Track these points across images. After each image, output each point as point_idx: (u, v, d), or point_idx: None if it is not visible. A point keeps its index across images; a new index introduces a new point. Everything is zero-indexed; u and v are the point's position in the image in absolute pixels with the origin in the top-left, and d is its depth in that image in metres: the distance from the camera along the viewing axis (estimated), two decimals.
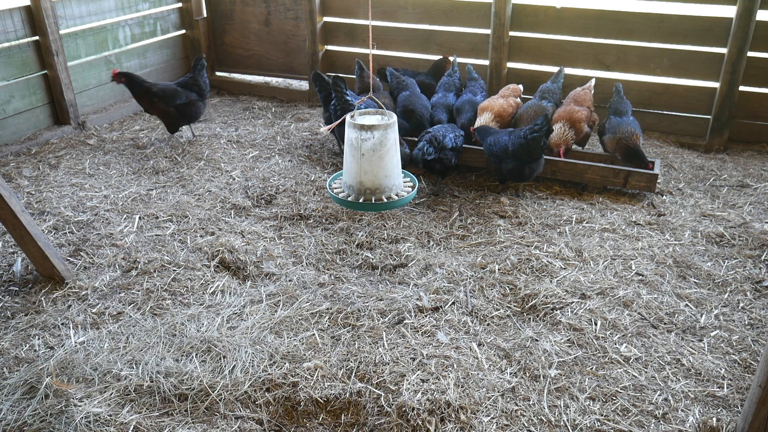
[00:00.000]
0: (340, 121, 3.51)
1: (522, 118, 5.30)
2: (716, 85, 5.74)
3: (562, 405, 2.94)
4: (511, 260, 4.05)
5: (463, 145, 5.08)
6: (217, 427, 2.81)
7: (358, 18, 6.88)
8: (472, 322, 3.50)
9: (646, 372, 3.15)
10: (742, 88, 5.67)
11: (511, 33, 6.23)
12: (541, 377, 3.10)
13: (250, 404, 2.94)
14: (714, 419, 2.84)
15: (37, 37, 5.81)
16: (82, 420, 2.79)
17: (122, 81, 5.63)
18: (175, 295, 3.75)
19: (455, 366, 3.13)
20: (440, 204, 4.85)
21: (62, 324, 3.49)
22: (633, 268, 3.98)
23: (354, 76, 6.35)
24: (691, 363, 3.21)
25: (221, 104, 7.17)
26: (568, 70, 6.08)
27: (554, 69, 5.94)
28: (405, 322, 3.48)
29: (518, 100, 5.63)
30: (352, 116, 3.06)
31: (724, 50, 5.59)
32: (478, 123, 5.25)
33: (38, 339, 3.37)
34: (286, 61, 7.45)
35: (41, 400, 2.91)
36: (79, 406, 2.86)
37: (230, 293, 3.76)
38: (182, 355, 3.20)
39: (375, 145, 2.97)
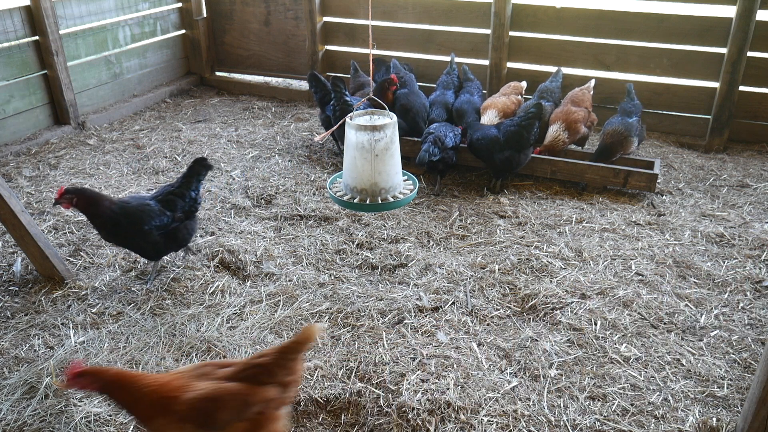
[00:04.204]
0: (336, 126, 3.50)
1: None
2: (716, 85, 5.74)
3: (562, 405, 2.94)
4: (511, 260, 4.05)
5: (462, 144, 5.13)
6: None
7: (358, 18, 6.88)
8: (472, 322, 3.50)
9: (645, 372, 3.15)
10: (742, 88, 5.67)
11: (511, 33, 6.23)
12: (541, 377, 3.10)
13: None
14: (714, 419, 2.84)
15: (37, 37, 5.81)
16: (82, 420, 2.79)
17: None
18: (175, 295, 3.75)
19: (455, 366, 3.13)
20: (440, 204, 4.85)
21: (62, 324, 3.49)
22: (633, 268, 3.98)
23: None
24: (691, 363, 3.21)
25: (221, 104, 7.17)
26: (568, 70, 6.08)
27: (554, 69, 5.94)
28: (405, 322, 3.48)
29: (520, 97, 5.63)
30: (350, 118, 3.05)
31: (724, 50, 5.59)
32: (483, 122, 5.27)
33: (38, 339, 3.37)
34: (286, 61, 7.45)
35: (41, 400, 2.91)
36: (79, 406, 2.86)
37: (230, 293, 3.76)
38: (182, 355, 3.20)
39: (387, 143, 2.96)
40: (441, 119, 5.34)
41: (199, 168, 3.84)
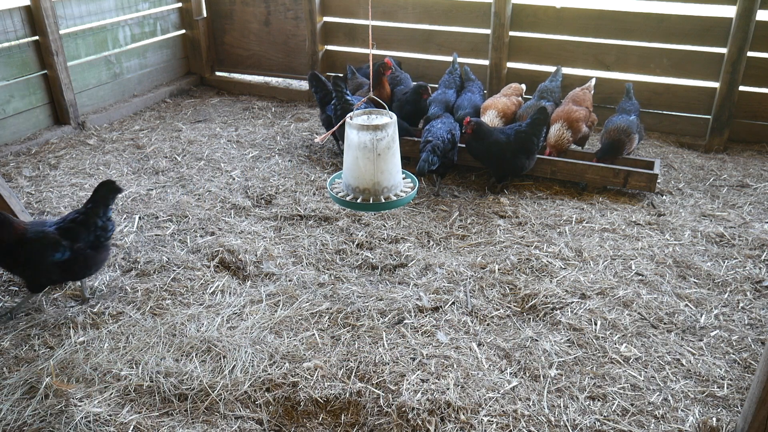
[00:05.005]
0: (337, 126, 3.50)
1: (523, 118, 5.30)
2: (716, 85, 5.74)
3: (562, 405, 2.94)
4: (511, 260, 4.05)
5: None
6: (217, 427, 2.82)
7: (358, 18, 6.88)
8: (472, 322, 3.50)
9: (645, 372, 3.15)
10: (741, 88, 5.67)
11: (511, 33, 6.23)
12: (541, 377, 3.10)
13: (250, 404, 2.94)
14: (714, 419, 2.84)
15: (37, 37, 5.81)
16: (82, 420, 2.79)
17: None
18: (175, 295, 3.75)
19: (455, 366, 3.13)
20: (440, 204, 4.85)
21: (62, 324, 3.48)
22: (633, 268, 3.98)
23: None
24: (691, 363, 3.21)
25: (221, 104, 7.17)
26: (568, 70, 6.08)
27: (554, 69, 5.94)
28: (405, 322, 3.48)
29: (520, 99, 5.63)
30: (350, 118, 3.05)
31: (724, 50, 5.59)
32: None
33: (38, 339, 3.37)
34: (286, 61, 7.45)
35: (41, 400, 2.91)
36: (79, 406, 2.86)
37: (230, 293, 3.76)
38: (182, 355, 3.20)
39: (389, 142, 2.97)
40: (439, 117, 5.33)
41: (106, 192, 3.52)
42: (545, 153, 5.09)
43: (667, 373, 3.14)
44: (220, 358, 3.17)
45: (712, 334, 3.42)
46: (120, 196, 3.62)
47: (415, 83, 5.74)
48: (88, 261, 3.48)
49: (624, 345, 3.33)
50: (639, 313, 3.57)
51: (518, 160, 4.82)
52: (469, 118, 4.81)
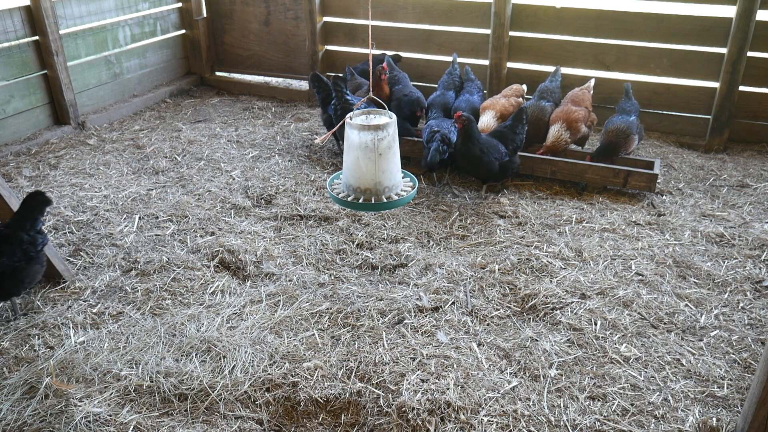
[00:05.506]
0: (338, 126, 3.50)
1: None
2: (716, 85, 5.74)
3: (562, 405, 2.94)
4: (511, 260, 4.05)
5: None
6: (217, 427, 2.82)
7: (358, 18, 6.88)
8: (472, 322, 3.50)
9: (645, 372, 3.15)
10: (741, 88, 5.67)
11: (511, 33, 6.23)
12: (541, 377, 3.10)
13: (250, 404, 2.94)
14: (714, 419, 2.84)
15: (37, 37, 5.81)
16: (82, 420, 2.79)
17: None
18: (175, 295, 3.75)
19: (455, 366, 3.13)
20: (440, 204, 4.85)
21: (62, 324, 3.48)
22: (633, 268, 3.98)
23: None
24: (691, 363, 3.21)
25: (221, 104, 7.17)
26: (568, 70, 6.08)
27: (554, 69, 5.94)
28: (405, 322, 3.48)
29: (520, 99, 5.62)
30: (350, 118, 3.05)
31: (724, 50, 5.59)
32: (481, 122, 5.25)
33: (38, 339, 3.37)
34: (286, 61, 7.45)
35: (41, 400, 2.91)
36: (79, 406, 2.86)
37: (230, 293, 3.76)
38: (182, 355, 3.20)
39: (390, 142, 2.97)
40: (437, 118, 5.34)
41: (34, 205, 3.30)
42: (538, 152, 5.08)
43: (667, 373, 3.14)
44: (220, 358, 3.17)
45: (712, 334, 3.42)
46: (50, 206, 3.40)
47: (413, 98, 5.55)
48: (17, 275, 3.27)
49: (624, 345, 3.33)
50: (639, 313, 3.57)
51: (514, 163, 4.83)
52: (460, 112, 4.71)
